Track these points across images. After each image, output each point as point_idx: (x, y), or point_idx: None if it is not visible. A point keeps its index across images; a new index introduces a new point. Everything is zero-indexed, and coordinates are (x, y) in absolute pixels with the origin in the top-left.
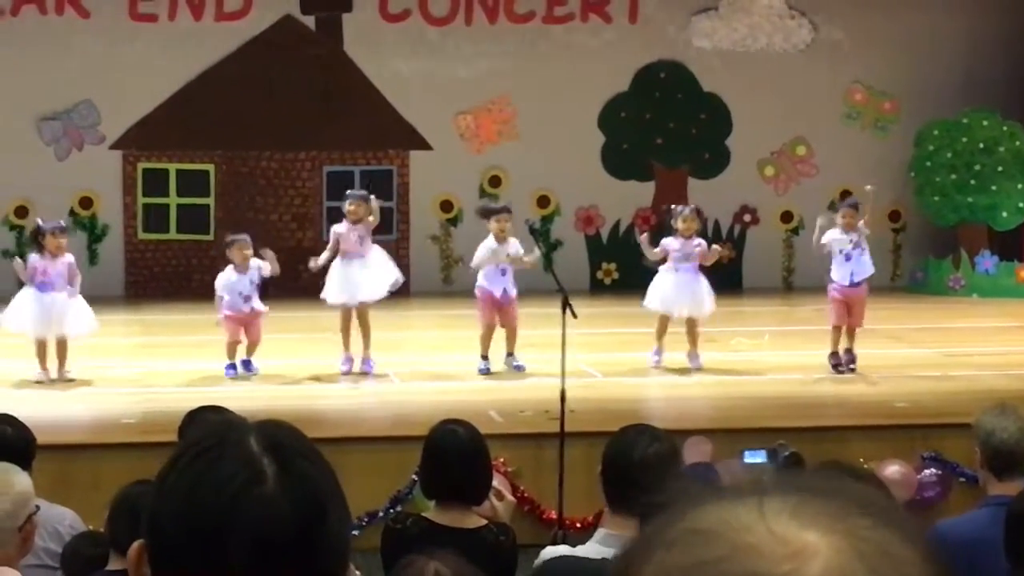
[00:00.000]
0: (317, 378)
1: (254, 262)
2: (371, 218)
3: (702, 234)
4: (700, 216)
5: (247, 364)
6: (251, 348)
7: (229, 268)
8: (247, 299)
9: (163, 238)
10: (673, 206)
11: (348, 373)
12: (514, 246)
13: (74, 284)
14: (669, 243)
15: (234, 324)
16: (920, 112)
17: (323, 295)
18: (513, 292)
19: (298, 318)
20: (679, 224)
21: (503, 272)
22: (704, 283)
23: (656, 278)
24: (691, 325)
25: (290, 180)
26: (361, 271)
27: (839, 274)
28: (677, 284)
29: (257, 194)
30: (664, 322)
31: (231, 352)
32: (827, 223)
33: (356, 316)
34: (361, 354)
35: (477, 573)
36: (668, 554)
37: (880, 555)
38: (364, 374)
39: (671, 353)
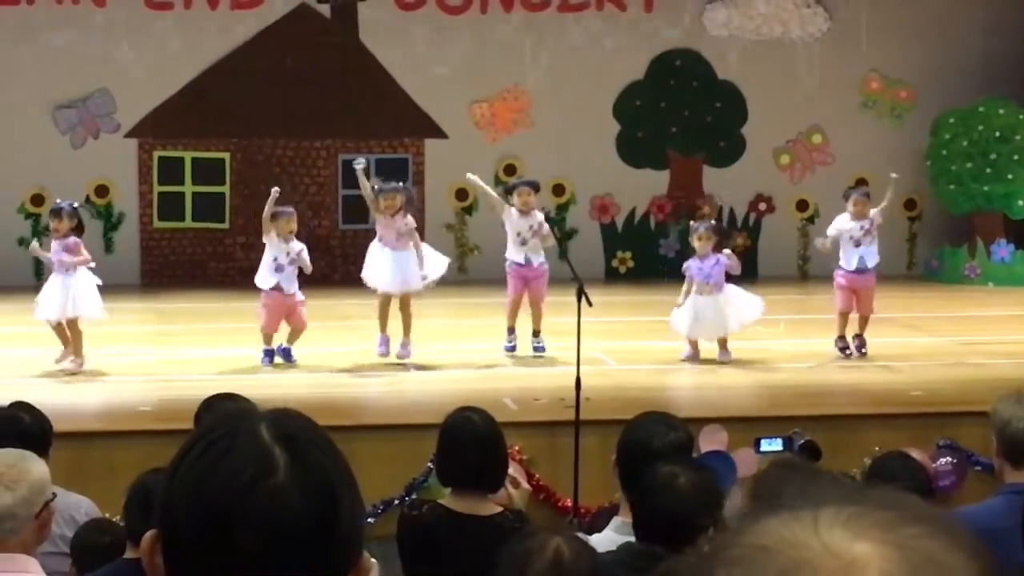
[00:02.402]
0: (333, 366)
1: (296, 243)
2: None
3: (718, 230)
4: (716, 231)
5: (286, 353)
6: (293, 336)
7: (272, 234)
8: (279, 268)
9: (178, 226)
10: (692, 222)
11: (384, 354)
12: (537, 217)
13: (75, 255)
14: (690, 269)
15: (274, 314)
16: (936, 100)
17: (363, 275)
18: (545, 264)
19: (313, 307)
20: (695, 242)
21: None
22: (735, 296)
23: (684, 305)
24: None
25: (305, 168)
26: (397, 261)
27: (846, 260)
28: (705, 310)
29: (272, 182)
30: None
31: (267, 338)
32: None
33: (399, 304)
34: (400, 339)
35: (592, 554)
36: (729, 572)
37: (929, 563)
38: (401, 358)
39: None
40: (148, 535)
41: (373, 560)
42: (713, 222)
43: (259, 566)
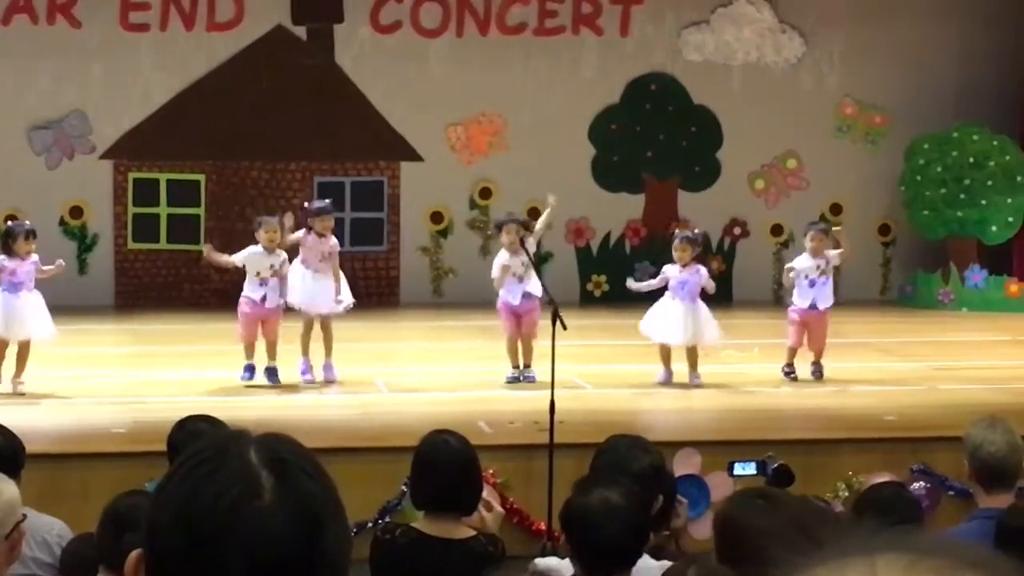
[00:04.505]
0: (307, 388)
1: (281, 253)
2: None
3: (700, 258)
4: (695, 243)
5: (271, 373)
6: (269, 348)
7: (255, 246)
8: (264, 283)
9: (153, 248)
10: (676, 231)
11: (310, 381)
12: (522, 256)
13: (39, 273)
14: (669, 270)
15: (250, 320)
16: (911, 126)
17: (288, 298)
18: (535, 298)
19: (288, 328)
20: (675, 252)
21: (520, 279)
22: (704, 312)
23: (655, 306)
24: (691, 351)
25: (280, 190)
26: (322, 283)
27: (800, 298)
28: (677, 314)
29: (247, 204)
30: (666, 349)
31: (248, 350)
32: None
33: (320, 325)
34: (323, 361)
35: None
36: None
37: None
38: (328, 382)
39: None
40: (133, 555)
41: None
42: (689, 234)
43: None
